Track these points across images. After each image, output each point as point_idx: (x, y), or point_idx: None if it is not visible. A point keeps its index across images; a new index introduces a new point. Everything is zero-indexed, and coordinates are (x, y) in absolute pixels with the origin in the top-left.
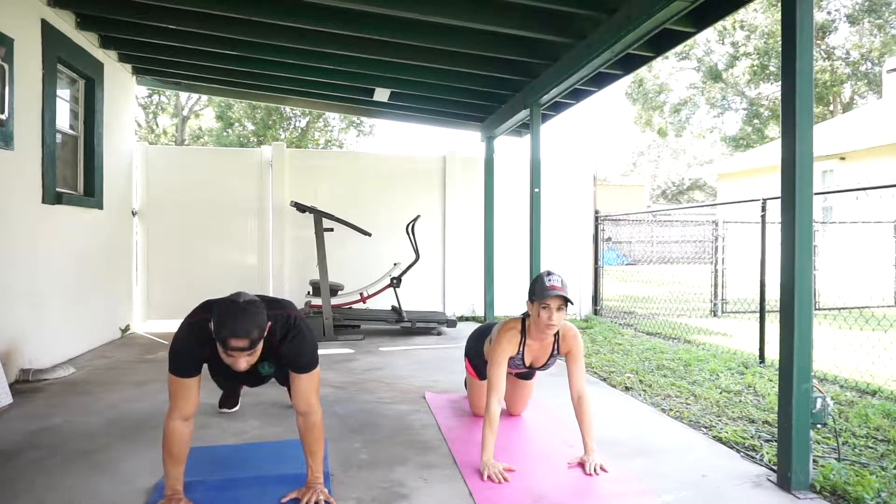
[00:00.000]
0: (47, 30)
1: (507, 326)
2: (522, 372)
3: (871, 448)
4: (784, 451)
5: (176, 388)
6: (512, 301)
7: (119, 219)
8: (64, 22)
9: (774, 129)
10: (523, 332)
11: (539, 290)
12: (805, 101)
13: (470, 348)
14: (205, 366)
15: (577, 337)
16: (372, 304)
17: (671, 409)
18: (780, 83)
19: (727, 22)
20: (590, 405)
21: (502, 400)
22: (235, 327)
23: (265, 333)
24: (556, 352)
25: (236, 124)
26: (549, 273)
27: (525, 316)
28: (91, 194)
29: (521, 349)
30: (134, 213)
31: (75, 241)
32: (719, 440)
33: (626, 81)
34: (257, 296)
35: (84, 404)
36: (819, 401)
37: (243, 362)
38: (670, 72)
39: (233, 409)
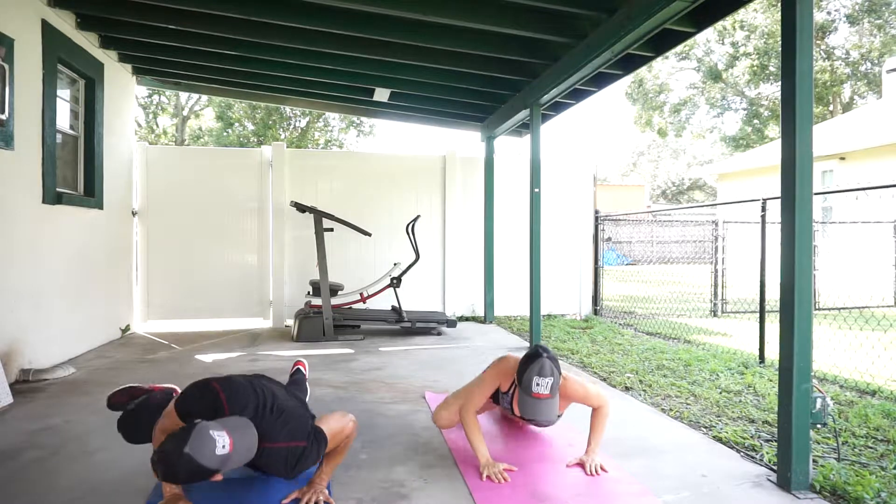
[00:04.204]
0: (47, 30)
1: (508, 361)
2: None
3: (871, 448)
4: (784, 451)
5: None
6: (512, 301)
7: (119, 219)
8: (64, 22)
9: (774, 129)
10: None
11: (524, 387)
12: (805, 101)
13: None
14: None
15: (571, 384)
16: (372, 304)
17: (671, 409)
18: (780, 83)
19: (727, 22)
20: (606, 414)
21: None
22: (163, 466)
23: (203, 476)
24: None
25: (236, 124)
26: (541, 371)
27: None
28: (91, 194)
29: (510, 392)
30: (134, 213)
31: (75, 241)
32: (719, 440)
33: (626, 81)
34: (275, 393)
35: (84, 404)
36: (819, 401)
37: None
38: (670, 72)
39: None
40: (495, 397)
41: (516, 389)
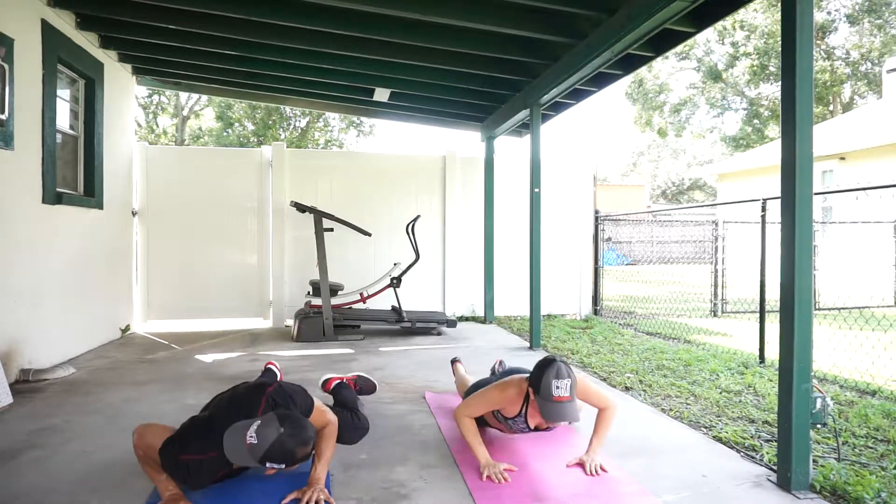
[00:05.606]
0: (47, 30)
1: (512, 387)
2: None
3: (871, 448)
4: (784, 451)
5: (156, 476)
6: (512, 301)
7: (119, 219)
8: (64, 22)
9: (774, 129)
10: (526, 400)
11: (544, 394)
12: (805, 101)
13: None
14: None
15: (584, 384)
16: (372, 304)
17: (671, 409)
18: (780, 83)
19: (727, 22)
20: (612, 415)
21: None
22: (277, 451)
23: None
24: None
25: (236, 124)
26: (558, 374)
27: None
28: (91, 194)
29: (523, 412)
30: (134, 213)
31: (75, 241)
32: (719, 440)
33: (626, 81)
34: (235, 391)
35: (84, 404)
36: (819, 401)
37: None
38: (670, 72)
39: None
40: (496, 416)
41: (529, 406)
